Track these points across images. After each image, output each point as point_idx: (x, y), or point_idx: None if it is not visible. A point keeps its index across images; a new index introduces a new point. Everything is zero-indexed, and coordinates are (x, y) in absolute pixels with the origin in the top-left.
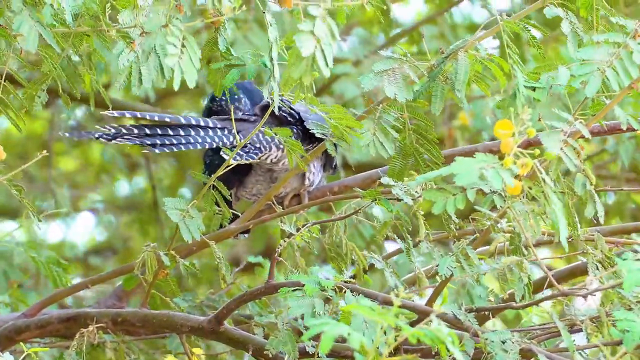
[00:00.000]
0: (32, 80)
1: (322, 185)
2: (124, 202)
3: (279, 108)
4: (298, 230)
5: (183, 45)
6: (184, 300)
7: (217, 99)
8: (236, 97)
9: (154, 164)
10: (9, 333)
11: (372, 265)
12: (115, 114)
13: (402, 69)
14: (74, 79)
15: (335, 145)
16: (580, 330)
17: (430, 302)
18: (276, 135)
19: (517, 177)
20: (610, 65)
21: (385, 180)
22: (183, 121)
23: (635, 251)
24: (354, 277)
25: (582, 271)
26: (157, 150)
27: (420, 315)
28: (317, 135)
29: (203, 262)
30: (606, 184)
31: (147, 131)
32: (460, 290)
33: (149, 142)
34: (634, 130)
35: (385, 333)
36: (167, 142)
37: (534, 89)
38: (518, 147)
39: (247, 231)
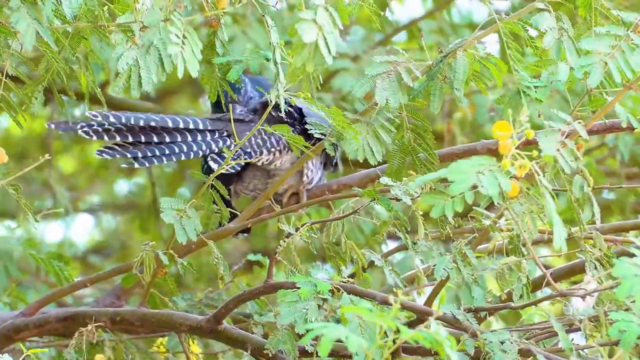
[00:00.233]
0: (32, 80)
1: (321, 184)
2: (123, 201)
3: (277, 106)
4: (297, 230)
5: (184, 37)
6: (183, 299)
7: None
8: (241, 90)
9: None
10: (7, 332)
11: (372, 263)
12: (99, 117)
13: (396, 72)
14: (70, 79)
15: (334, 145)
16: (579, 329)
17: (429, 301)
18: (273, 133)
19: (515, 177)
20: (612, 57)
21: (384, 180)
22: (170, 124)
23: (633, 255)
24: (353, 275)
25: (582, 269)
26: (137, 165)
27: (419, 315)
28: (316, 135)
29: (202, 260)
30: (606, 182)
31: (130, 138)
32: (461, 286)
33: (130, 156)
34: (633, 129)
35: (385, 334)
36: (149, 154)
37: (535, 88)
38: (516, 148)
39: (247, 230)
